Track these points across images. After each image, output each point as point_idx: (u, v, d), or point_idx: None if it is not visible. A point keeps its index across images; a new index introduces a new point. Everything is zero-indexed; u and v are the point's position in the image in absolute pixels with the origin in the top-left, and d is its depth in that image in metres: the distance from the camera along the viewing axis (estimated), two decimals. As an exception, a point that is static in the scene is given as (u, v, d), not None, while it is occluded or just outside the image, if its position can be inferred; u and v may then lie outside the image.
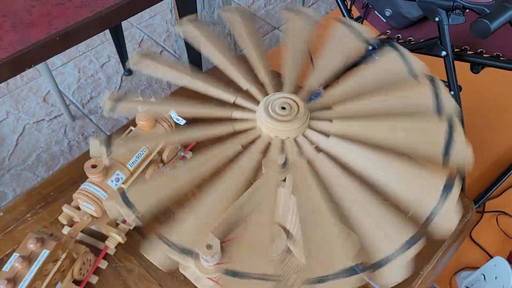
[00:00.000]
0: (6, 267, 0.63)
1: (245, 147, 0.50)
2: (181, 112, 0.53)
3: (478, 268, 1.11)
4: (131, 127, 0.84)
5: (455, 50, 0.96)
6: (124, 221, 0.79)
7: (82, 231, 0.79)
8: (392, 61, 0.48)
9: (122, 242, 0.76)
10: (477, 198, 1.29)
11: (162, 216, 0.87)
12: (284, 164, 0.54)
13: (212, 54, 0.52)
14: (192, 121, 0.95)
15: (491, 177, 1.33)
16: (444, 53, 0.92)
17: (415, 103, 0.46)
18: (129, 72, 1.59)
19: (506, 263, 1.02)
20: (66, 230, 0.80)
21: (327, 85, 0.50)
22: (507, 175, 1.31)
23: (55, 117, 1.46)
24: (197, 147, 0.94)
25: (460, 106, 0.96)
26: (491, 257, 1.19)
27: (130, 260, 0.78)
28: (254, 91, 0.49)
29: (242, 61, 0.51)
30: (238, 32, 0.54)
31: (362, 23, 1.20)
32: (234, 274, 0.41)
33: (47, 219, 0.84)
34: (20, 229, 0.82)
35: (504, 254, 1.15)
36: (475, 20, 0.78)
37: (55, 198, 0.87)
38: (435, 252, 0.77)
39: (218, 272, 0.68)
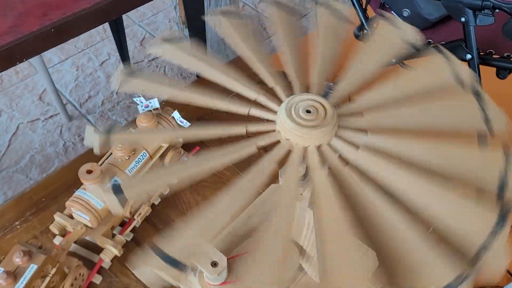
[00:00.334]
0: (-12, 283, 0.58)
1: (261, 151, 0.44)
2: (195, 102, 0.46)
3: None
4: (131, 129, 0.79)
5: (480, 53, 0.91)
6: (121, 232, 0.73)
7: (75, 242, 0.73)
8: (436, 66, 0.42)
9: (119, 255, 0.71)
10: None
11: (163, 226, 0.81)
12: (305, 175, 0.48)
13: (240, 47, 0.47)
14: (198, 124, 0.89)
15: None
16: (469, 56, 0.87)
17: (461, 116, 0.40)
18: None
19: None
20: (57, 240, 0.74)
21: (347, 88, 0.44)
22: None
23: (51, 116, 1.41)
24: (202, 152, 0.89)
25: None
26: None
27: (126, 275, 0.72)
28: (279, 90, 0.43)
29: (271, 58, 0.46)
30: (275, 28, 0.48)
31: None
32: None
33: (37, 228, 0.78)
34: (8, 238, 0.77)
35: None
36: (508, 20, 0.72)
37: (47, 205, 0.81)
38: None
39: (225, 293, 0.63)
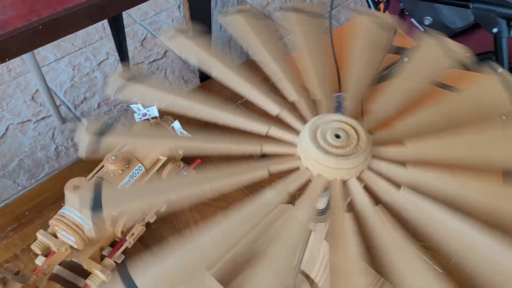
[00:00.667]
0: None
1: (274, 176, 0.38)
2: (200, 114, 0.40)
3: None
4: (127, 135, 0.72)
5: (511, 68, 0.84)
6: (110, 255, 0.67)
7: (59, 264, 0.67)
8: (491, 88, 0.36)
9: (107, 281, 0.64)
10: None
11: (157, 247, 0.74)
12: (325, 210, 0.42)
13: (259, 51, 0.40)
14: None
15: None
16: (499, 70, 0.80)
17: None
18: (128, 72, 1.48)
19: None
20: (40, 260, 0.68)
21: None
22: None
23: (43, 118, 1.34)
24: (203, 165, 0.82)
25: None
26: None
27: (115, 303, 0.66)
28: (303, 106, 0.36)
29: (293, 67, 0.39)
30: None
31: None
32: None
33: (18, 245, 0.71)
34: (-16, 257, 0.70)
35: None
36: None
37: (31, 219, 0.74)
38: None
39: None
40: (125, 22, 1.31)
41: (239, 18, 0.42)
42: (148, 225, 0.73)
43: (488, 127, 0.35)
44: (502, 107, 0.36)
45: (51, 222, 0.61)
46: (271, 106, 0.38)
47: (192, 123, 0.73)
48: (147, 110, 0.70)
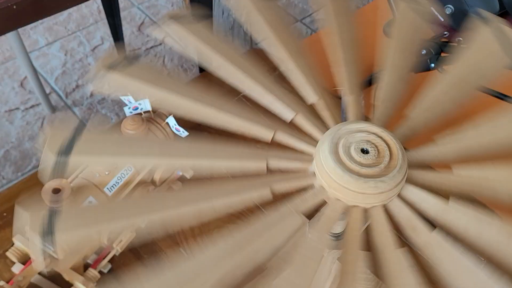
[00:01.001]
0: None
1: (279, 197, 0.32)
2: (196, 115, 0.33)
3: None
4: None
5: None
6: (94, 265, 0.61)
7: (39, 273, 0.61)
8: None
9: (90, 294, 0.58)
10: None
11: (148, 256, 0.68)
12: (342, 234, 0.35)
13: (268, 38, 0.34)
14: (198, 131, 0.75)
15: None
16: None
17: None
18: (124, 59, 1.41)
19: None
20: (17, 268, 0.62)
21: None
22: None
23: (32, 106, 1.28)
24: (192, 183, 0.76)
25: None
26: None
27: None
28: (323, 109, 0.30)
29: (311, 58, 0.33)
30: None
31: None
32: None
33: (-7, 250, 0.65)
34: (-45, 263, 0.64)
35: None
36: None
37: (9, 221, 0.68)
38: None
39: None
40: (121, 5, 1.24)
41: (245, 0, 0.36)
42: (138, 230, 0.67)
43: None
44: None
45: (27, 228, 0.55)
46: (283, 110, 0.31)
47: (187, 120, 0.67)
48: (139, 104, 0.63)
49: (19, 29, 1.48)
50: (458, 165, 0.28)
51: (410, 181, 0.28)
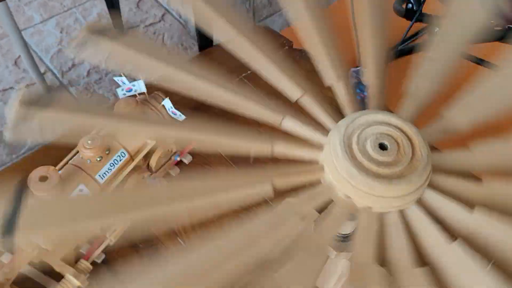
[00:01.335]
0: None
1: (281, 193, 0.29)
2: (196, 91, 0.30)
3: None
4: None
5: None
6: (86, 256, 0.58)
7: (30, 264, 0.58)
8: None
9: (83, 287, 0.56)
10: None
11: (145, 246, 0.66)
12: (350, 236, 0.32)
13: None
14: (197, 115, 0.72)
15: None
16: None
17: None
18: (122, 37, 1.37)
19: None
20: (6, 258, 0.59)
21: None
22: None
23: (27, 86, 1.24)
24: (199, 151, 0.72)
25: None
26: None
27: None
28: (342, 94, 0.27)
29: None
30: None
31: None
32: None
33: (-19, 239, 0.63)
34: None
35: None
36: None
37: (-2, 208, 0.66)
38: None
39: None
40: (118, -21, 1.19)
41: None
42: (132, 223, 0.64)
43: None
44: None
45: (14, 218, 0.52)
46: (291, 88, 0.27)
47: (184, 103, 0.63)
48: (133, 85, 0.60)
49: (13, 5, 1.44)
50: (490, 177, 0.25)
51: (432, 185, 0.24)
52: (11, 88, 1.23)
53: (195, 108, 0.40)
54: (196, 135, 0.32)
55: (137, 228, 0.28)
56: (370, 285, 0.24)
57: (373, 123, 0.24)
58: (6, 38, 1.34)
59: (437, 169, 0.24)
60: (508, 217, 0.23)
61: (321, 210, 0.29)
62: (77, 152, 0.56)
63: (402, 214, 0.24)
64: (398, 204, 0.23)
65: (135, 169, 0.60)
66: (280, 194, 0.31)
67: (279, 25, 1.49)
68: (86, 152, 0.54)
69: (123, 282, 0.25)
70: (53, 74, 1.27)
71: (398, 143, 0.23)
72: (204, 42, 0.93)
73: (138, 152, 0.60)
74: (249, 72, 0.69)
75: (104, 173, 0.56)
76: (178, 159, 0.68)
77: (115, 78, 0.62)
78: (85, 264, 0.56)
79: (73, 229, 0.25)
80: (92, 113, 0.33)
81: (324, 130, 0.27)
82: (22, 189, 0.44)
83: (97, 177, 0.55)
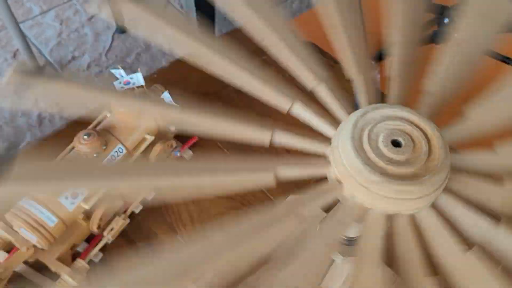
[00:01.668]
0: None
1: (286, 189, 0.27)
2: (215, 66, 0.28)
3: None
4: (106, 112, 0.61)
5: None
6: (83, 255, 0.57)
7: (25, 262, 0.57)
8: None
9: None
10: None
11: (143, 243, 0.64)
12: (354, 239, 0.31)
13: None
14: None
15: None
16: None
17: None
18: (122, 29, 1.35)
19: None
20: (1, 256, 0.58)
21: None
22: None
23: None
24: (201, 145, 0.71)
25: None
26: None
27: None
28: (361, 87, 0.25)
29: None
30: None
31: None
32: None
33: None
34: None
35: None
36: None
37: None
38: None
39: None
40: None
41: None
42: (133, 216, 0.62)
43: None
44: None
45: (7, 216, 0.51)
46: (306, 77, 0.26)
47: (185, 90, 0.61)
48: (130, 78, 0.58)
49: (12, -3, 1.42)
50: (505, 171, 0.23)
51: (450, 190, 0.22)
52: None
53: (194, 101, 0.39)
54: (198, 118, 0.31)
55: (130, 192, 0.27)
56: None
57: (388, 117, 0.22)
58: (4, 30, 1.33)
59: (457, 171, 0.22)
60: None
61: (327, 209, 0.27)
62: (73, 148, 0.54)
63: (413, 218, 0.22)
64: (409, 207, 0.21)
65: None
66: (285, 190, 0.29)
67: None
68: (82, 148, 0.53)
69: (117, 275, 0.24)
70: (53, 67, 1.26)
71: (414, 141, 0.21)
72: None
73: (136, 147, 0.58)
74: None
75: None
76: (179, 155, 0.66)
77: (113, 71, 0.61)
78: (81, 263, 0.55)
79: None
80: (92, 89, 0.32)
81: (335, 123, 0.25)
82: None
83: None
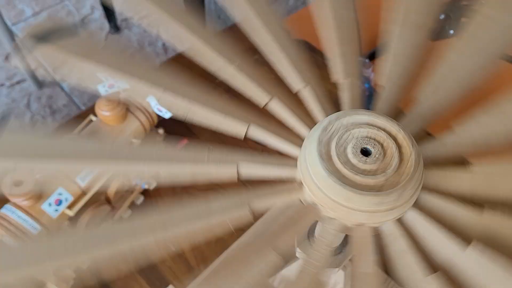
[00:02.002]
0: None
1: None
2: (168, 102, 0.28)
3: None
4: (91, 116, 0.60)
5: None
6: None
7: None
8: None
9: None
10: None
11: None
12: (341, 248, 0.30)
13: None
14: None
15: None
16: None
17: None
18: (115, 29, 1.34)
19: None
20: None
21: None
22: None
23: (18, 82, 1.23)
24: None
25: None
26: None
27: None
28: (312, 97, 0.24)
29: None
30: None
31: None
32: None
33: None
34: None
35: None
36: None
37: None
38: None
39: None
40: (109, -30, 1.16)
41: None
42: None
43: None
44: None
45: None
46: (258, 94, 0.25)
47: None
48: (115, 81, 0.57)
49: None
50: (475, 159, 0.22)
51: (427, 187, 0.21)
52: (2, 85, 1.21)
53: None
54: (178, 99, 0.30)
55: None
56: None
57: (354, 124, 0.21)
58: (-4, 33, 1.32)
59: (428, 162, 0.22)
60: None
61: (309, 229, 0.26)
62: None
63: (400, 221, 0.22)
64: (392, 216, 0.21)
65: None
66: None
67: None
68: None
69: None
70: (45, 69, 1.25)
71: (382, 145, 0.20)
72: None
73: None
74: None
75: (85, 176, 0.54)
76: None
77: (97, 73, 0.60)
78: (69, 273, 0.54)
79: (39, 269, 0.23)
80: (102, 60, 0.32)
81: (298, 140, 0.24)
82: None
83: (78, 180, 0.53)
